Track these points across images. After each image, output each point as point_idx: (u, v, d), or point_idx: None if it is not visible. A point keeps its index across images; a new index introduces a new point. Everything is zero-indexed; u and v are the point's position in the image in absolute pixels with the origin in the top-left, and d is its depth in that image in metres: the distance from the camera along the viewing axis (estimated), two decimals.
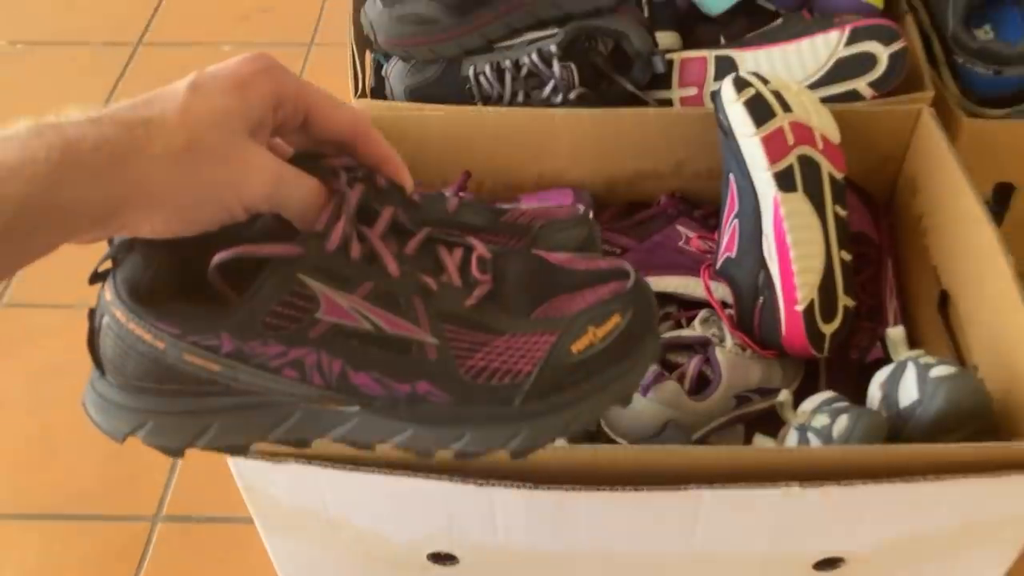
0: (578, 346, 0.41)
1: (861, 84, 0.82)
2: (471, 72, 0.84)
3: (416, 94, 0.85)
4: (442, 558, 0.64)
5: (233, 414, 0.40)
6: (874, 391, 0.66)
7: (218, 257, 0.38)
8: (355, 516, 0.62)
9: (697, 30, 0.92)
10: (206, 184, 0.37)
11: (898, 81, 0.82)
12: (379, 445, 0.42)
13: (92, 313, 0.40)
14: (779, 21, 0.87)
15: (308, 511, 0.62)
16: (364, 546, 0.65)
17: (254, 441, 0.42)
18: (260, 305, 0.38)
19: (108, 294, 0.39)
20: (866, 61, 0.81)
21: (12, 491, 0.93)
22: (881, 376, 0.66)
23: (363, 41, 0.89)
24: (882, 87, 0.82)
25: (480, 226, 0.48)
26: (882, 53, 0.81)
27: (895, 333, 0.70)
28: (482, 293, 0.42)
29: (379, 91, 0.88)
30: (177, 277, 0.40)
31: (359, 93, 0.84)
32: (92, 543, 0.87)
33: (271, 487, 0.61)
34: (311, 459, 0.58)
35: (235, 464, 0.60)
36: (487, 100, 0.85)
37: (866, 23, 0.82)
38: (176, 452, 0.41)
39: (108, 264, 0.40)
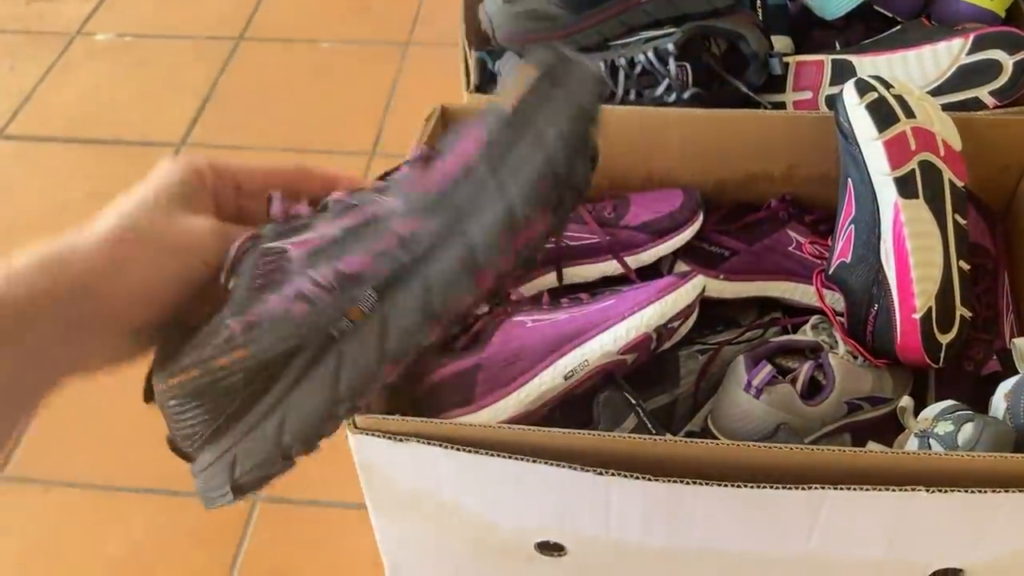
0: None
1: (983, 92, 0.81)
2: None
3: None
4: (550, 548, 0.65)
5: (293, 392, 0.42)
6: (998, 402, 0.65)
7: (233, 249, 0.43)
8: (468, 500, 0.63)
9: (812, 35, 0.92)
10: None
11: (1022, 90, 0.81)
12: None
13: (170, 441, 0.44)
14: (898, 28, 0.86)
15: (422, 492, 0.63)
16: (472, 532, 0.65)
17: (331, 406, 0.42)
18: (245, 280, 0.42)
19: (157, 388, 0.43)
20: (990, 69, 0.80)
21: (124, 465, 0.96)
22: (1006, 387, 0.65)
23: (472, 38, 0.90)
24: (1005, 96, 0.80)
25: None
26: (1007, 61, 0.80)
27: (1022, 344, 0.68)
28: None
29: (480, 89, 0.89)
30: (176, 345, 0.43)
31: (471, 88, 0.85)
32: (197, 518, 0.89)
33: (389, 466, 0.62)
34: (431, 440, 0.59)
35: (355, 440, 0.61)
36: None
37: (991, 30, 0.81)
38: (273, 465, 0.43)
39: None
